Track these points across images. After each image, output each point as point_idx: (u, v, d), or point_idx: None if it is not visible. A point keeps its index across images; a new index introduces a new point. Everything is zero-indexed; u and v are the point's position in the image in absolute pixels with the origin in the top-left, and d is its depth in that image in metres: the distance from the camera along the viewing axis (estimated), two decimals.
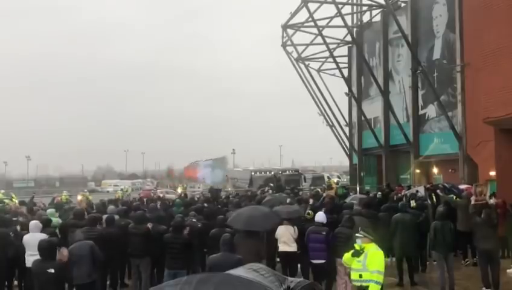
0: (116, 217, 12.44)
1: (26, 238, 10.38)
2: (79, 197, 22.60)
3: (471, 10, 21.71)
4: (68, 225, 12.10)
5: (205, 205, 16.16)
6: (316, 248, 10.37)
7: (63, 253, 8.74)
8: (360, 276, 7.29)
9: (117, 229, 11.36)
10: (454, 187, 17.62)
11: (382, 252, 7.46)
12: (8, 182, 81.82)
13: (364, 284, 7.24)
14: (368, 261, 7.24)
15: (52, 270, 7.43)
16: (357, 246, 7.42)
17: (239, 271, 3.63)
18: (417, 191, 16.87)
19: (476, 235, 12.18)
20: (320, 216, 10.84)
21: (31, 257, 9.72)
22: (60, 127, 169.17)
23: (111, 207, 15.41)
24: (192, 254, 10.27)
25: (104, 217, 12.14)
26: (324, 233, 10.43)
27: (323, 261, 10.36)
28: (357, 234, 7.55)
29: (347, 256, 7.55)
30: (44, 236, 9.89)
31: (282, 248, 11.41)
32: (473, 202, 13.72)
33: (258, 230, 10.11)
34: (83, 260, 8.87)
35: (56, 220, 13.01)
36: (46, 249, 7.69)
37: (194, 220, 12.48)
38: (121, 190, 41.18)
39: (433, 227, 11.56)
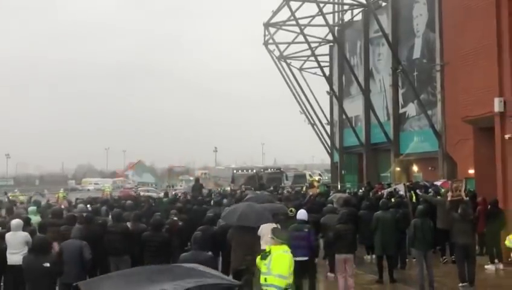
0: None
1: (8, 236, 10.31)
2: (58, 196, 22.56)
3: (451, 10, 21.94)
4: (47, 223, 12.02)
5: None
6: (298, 245, 10.37)
7: None
8: (265, 280, 6.88)
9: (97, 227, 11.29)
10: (432, 185, 17.82)
11: (289, 255, 7.07)
12: None
13: (268, 288, 6.87)
14: (272, 265, 6.88)
15: (48, 264, 7.70)
16: (267, 248, 7.12)
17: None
18: (395, 189, 16.99)
19: (453, 230, 12.39)
20: (302, 214, 10.91)
21: (12, 255, 9.83)
22: (41, 126, 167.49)
23: (80, 206, 15.42)
24: (171, 252, 10.24)
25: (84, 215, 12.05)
26: (306, 230, 10.49)
27: (306, 258, 10.39)
28: (268, 236, 7.28)
29: (258, 259, 7.19)
30: (25, 234, 10.06)
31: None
32: (449, 198, 13.90)
33: (251, 226, 10.14)
34: (72, 259, 8.78)
35: (36, 219, 12.97)
36: (40, 245, 7.99)
37: (175, 218, 12.47)
38: (109, 187, 41.11)
39: (413, 224, 11.67)
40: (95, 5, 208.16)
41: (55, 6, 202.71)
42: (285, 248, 7.10)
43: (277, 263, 6.84)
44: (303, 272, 10.59)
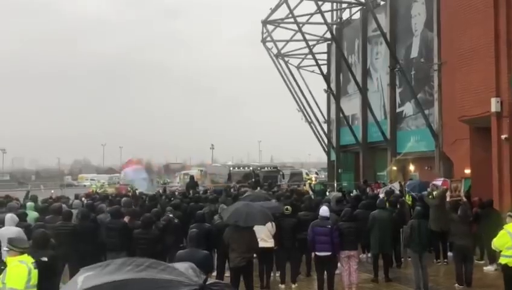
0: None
1: (1, 231, 10.25)
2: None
3: (449, 9, 21.95)
4: (44, 219, 11.99)
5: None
6: (322, 241, 10.69)
7: None
8: None
9: (91, 223, 11.31)
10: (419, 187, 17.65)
11: (26, 266, 6.42)
12: None
13: None
14: (6, 278, 6.26)
15: (46, 259, 7.55)
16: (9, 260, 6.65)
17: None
18: (390, 188, 17.00)
19: (451, 232, 12.39)
20: (324, 210, 11.03)
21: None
22: (37, 121, 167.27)
23: (76, 201, 15.39)
24: (164, 250, 10.24)
25: (75, 212, 12.01)
26: (329, 226, 10.74)
27: (329, 253, 10.69)
28: (4, 248, 6.87)
29: None
30: (18, 230, 9.89)
31: (260, 243, 11.47)
32: (448, 198, 13.85)
33: (240, 225, 10.20)
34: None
35: (34, 214, 12.89)
36: (40, 239, 7.86)
37: (171, 215, 12.45)
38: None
39: (410, 225, 11.65)
40: (93, 2, 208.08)
41: (53, 4, 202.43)
42: (23, 257, 6.57)
43: (11, 275, 6.29)
44: (326, 266, 10.92)
